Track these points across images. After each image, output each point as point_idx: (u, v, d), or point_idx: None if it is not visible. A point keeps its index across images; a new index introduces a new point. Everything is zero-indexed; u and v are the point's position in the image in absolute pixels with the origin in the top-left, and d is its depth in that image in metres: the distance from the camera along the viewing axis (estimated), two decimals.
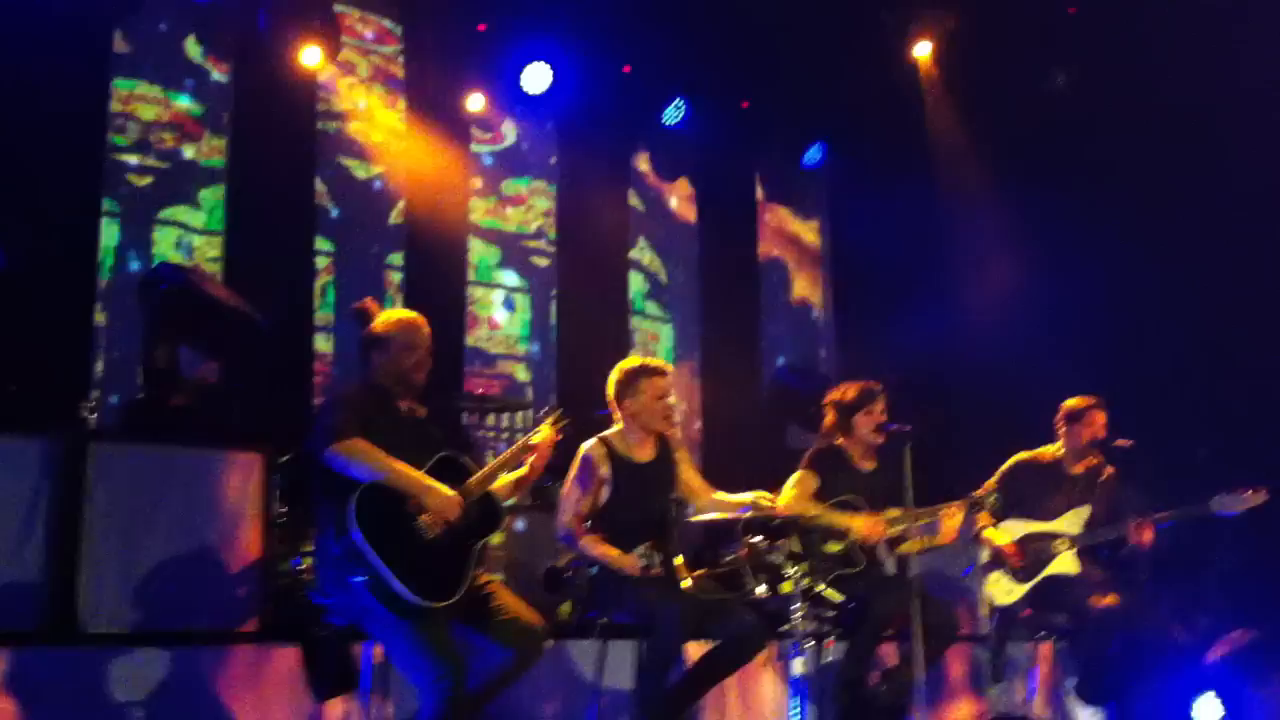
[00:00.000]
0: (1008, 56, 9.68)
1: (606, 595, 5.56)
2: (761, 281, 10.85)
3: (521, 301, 10.06)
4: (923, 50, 9.97)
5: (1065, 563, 6.38)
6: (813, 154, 10.72)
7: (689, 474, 5.87)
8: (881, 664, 6.30)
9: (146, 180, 8.48)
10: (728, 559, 5.87)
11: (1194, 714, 6.37)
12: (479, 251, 9.83)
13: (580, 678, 6.00)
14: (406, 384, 5.00)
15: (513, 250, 10.08)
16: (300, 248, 8.68)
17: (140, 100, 8.50)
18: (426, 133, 9.19)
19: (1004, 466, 6.70)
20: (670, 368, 5.91)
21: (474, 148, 9.83)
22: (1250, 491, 6.21)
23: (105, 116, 8.13)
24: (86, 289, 7.75)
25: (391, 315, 5.11)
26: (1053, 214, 9.57)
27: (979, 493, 6.46)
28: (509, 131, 10.16)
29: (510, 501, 5.41)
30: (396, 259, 9.33)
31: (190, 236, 8.59)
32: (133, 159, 8.43)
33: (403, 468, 4.69)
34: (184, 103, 8.70)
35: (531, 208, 10.20)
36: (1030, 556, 6.42)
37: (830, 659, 6.00)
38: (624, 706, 5.70)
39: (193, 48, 8.76)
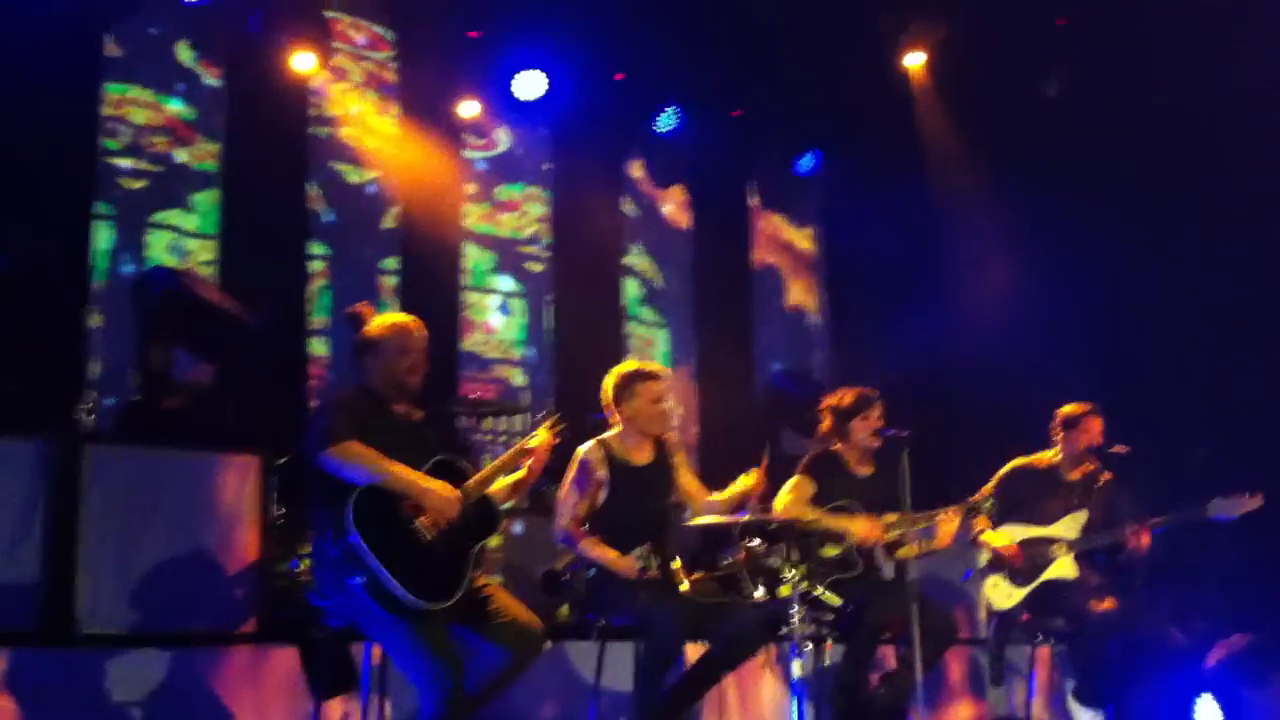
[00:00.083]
0: (1000, 63, 9.71)
1: (604, 597, 5.54)
2: (755, 287, 10.85)
3: (517, 306, 10.05)
4: (916, 58, 9.99)
5: (1063, 567, 6.38)
6: (806, 161, 10.73)
7: (686, 477, 5.86)
8: (881, 667, 6.29)
9: (139, 184, 8.45)
10: (726, 562, 5.86)
11: (1193, 718, 6.37)
12: (473, 257, 9.83)
13: (579, 679, 5.99)
14: (400, 388, 4.98)
15: (507, 255, 10.07)
16: (294, 252, 8.67)
17: (132, 104, 8.48)
18: (420, 138, 9.18)
19: (1001, 471, 6.69)
20: (667, 371, 5.91)
21: (467, 153, 9.83)
22: (1247, 496, 6.22)
23: (97, 120, 8.10)
24: (80, 292, 7.73)
25: (384, 319, 5.09)
26: (1047, 219, 9.60)
27: (976, 497, 6.46)
28: (503, 137, 10.16)
29: (508, 504, 5.39)
30: (390, 263, 9.32)
31: (183, 240, 8.58)
32: (125, 163, 8.41)
33: (400, 469, 4.67)
34: (176, 107, 8.68)
35: (526, 213, 10.20)
36: (1028, 561, 6.42)
37: (829, 662, 5.99)
38: (623, 708, 5.69)
39: (184, 52, 8.75)
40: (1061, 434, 6.65)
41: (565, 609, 6.48)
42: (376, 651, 5.10)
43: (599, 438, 5.73)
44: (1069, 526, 6.44)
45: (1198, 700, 6.37)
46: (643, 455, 5.75)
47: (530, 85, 9.39)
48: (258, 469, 5.94)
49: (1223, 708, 6.39)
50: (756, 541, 5.65)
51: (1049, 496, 6.55)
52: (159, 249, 8.47)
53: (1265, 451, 8.13)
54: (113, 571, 5.46)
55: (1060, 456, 6.65)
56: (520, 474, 5.14)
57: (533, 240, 10.18)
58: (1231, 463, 8.18)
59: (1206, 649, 6.88)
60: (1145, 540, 6.26)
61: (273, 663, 5.44)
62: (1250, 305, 8.86)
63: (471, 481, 4.86)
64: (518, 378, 9.94)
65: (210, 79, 8.76)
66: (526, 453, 5.14)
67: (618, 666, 5.66)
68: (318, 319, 8.92)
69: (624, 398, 5.72)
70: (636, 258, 10.61)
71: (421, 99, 9.25)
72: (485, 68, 9.39)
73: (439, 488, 4.69)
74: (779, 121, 10.46)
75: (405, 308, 8.46)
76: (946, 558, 6.75)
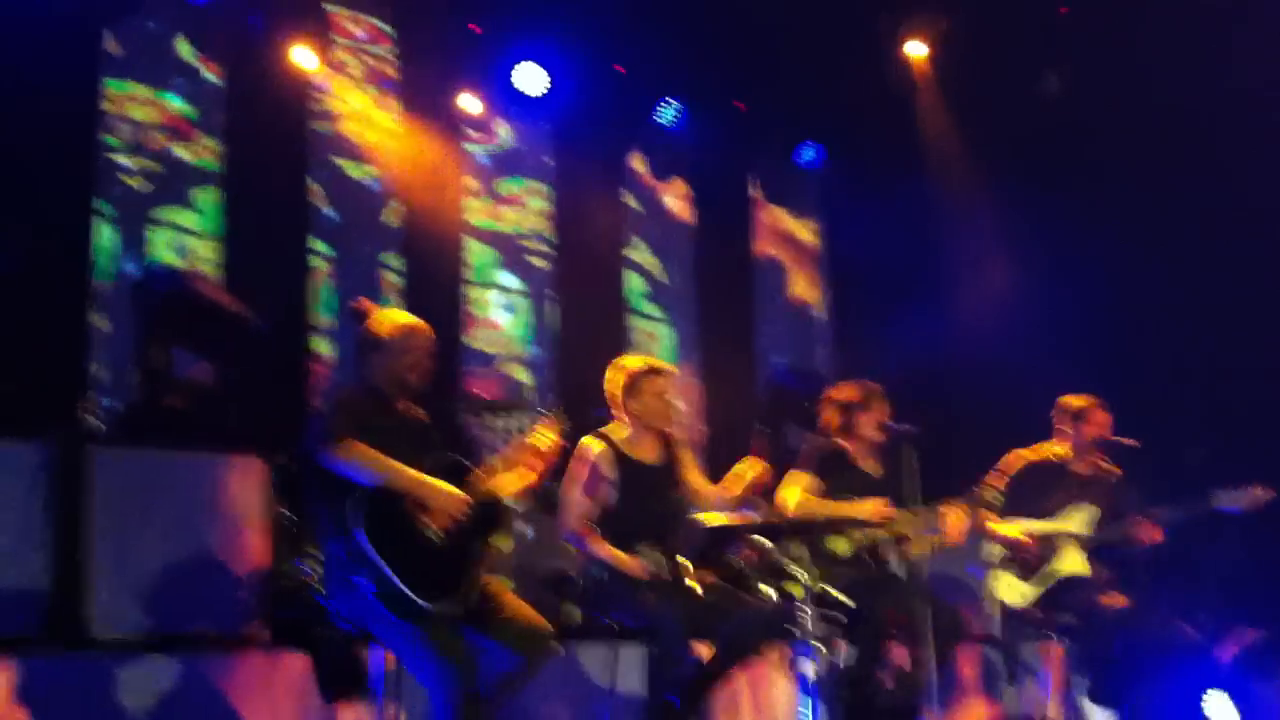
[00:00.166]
0: (1002, 58, 9.69)
1: (613, 598, 5.52)
2: (758, 281, 10.83)
3: (519, 303, 10.02)
4: (917, 51, 9.96)
5: (1075, 563, 6.35)
6: (808, 154, 10.71)
7: (693, 475, 5.84)
8: (893, 665, 6.26)
9: (140, 182, 8.41)
10: (734, 561, 5.83)
11: (1205, 713, 6.35)
12: (476, 252, 9.80)
13: (591, 681, 5.97)
14: (403, 386, 4.95)
15: (509, 251, 10.05)
16: (296, 249, 8.64)
17: (132, 101, 8.44)
18: (421, 133, 9.14)
19: (1006, 464, 6.65)
20: (672, 368, 5.88)
21: (469, 148, 9.79)
22: (1254, 488, 6.20)
23: (97, 117, 8.05)
24: (82, 291, 7.69)
25: (391, 318, 5.05)
26: (1047, 217, 9.59)
27: (980, 489, 6.42)
28: (504, 132, 10.12)
29: (514, 504, 5.36)
30: (392, 259, 9.28)
31: (185, 238, 8.55)
32: (126, 160, 8.37)
33: (403, 468, 4.64)
34: (176, 103, 8.64)
35: (527, 208, 10.17)
36: (1038, 556, 6.39)
37: (840, 660, 5.96)
38: (636, 710, 5.65)
39: (184, 48, 8.71)
40: (1070, 426, 6.60)
41: (574, 609, 6.47)
42: (388, 654, 5.06)
43: (604, 434, 5.69)
44: (1079, 521, 6.42)
45: (1209, 696, 6.34)
46: (651, 453, 5.73)
47: (531, 79, 9.36)
48: (262, 469, 5.91)
49: (1235, 703, 6.36)
50: (764, 539, 5.60)
51: (1057, 491, 6.52)
52: (160, 247, 8.44)
53: (1265, 450, 8.12)
54: (120, 575, 5.42)
55: (1068, 450, 6.61)
56: (530, 477, 5.09)
57: (535, 236, 10.14)
58: (1232, 462, 8.15)
59: (1218, 644, 6.87)
60: (1155, 534, 6.24)
61: (283, 667, 5.42)
62: (1251, 305, 8.85)
63: (475, 481, 4.83)
64: (521, 374, 9.91)
65: (210, 75, 8.72)
66: (533, 452, 5.10)
67: (630, 668, 5.64)
68: (320, 317, 8.88)
69: (630, 394, 5.69)
70: (639, 252, 10.58)
71: (422, 93, 9.22)
72: (486, 62, 9.38)
73: (444, 488, 4.66)
74: (780, 115, 10.45)
75: (407, 304, 8.45)
76: (955, 554, 6.72)
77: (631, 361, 5.82)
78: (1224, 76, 8.83)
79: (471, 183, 9.81)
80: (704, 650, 5.56)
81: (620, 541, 5.52)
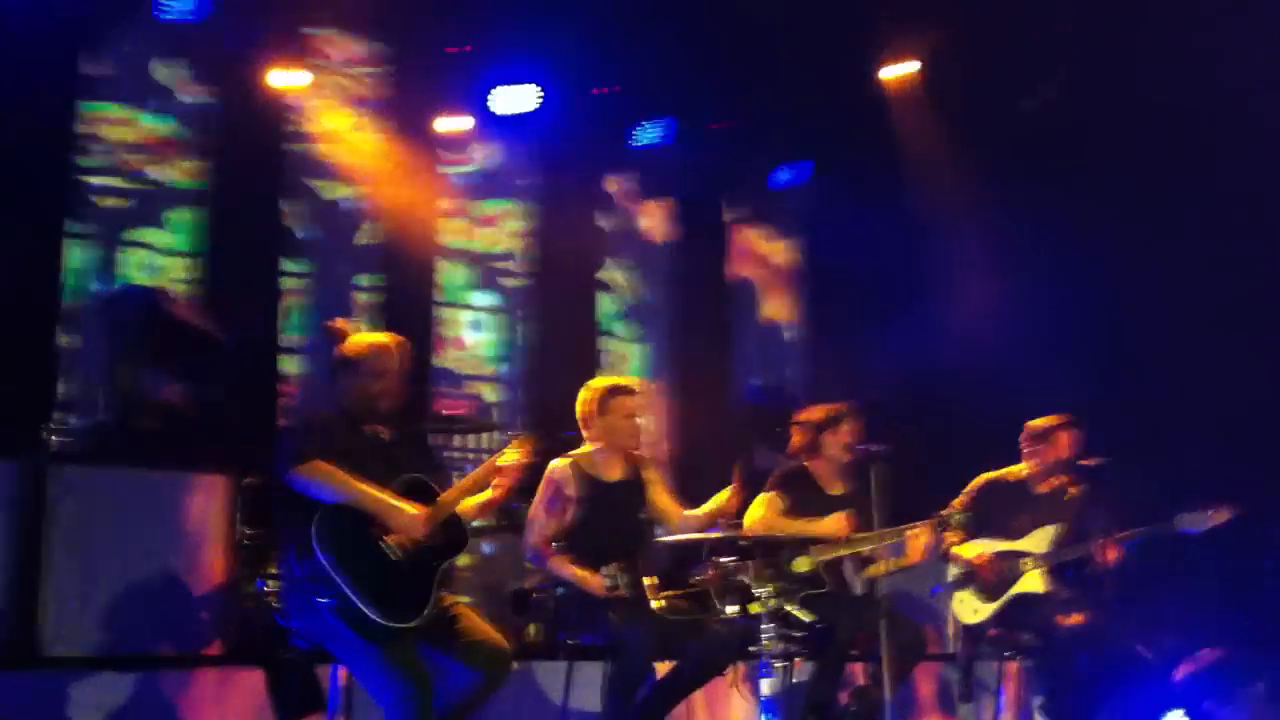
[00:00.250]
0: (982, 77, 9.73)
1: (574, 616, 5.56)
2: (733, 302, 10.85)
3: (491, 322, 10.04)
4: (899, 70, 10.01)
5: (1033, 581, 6.38)
6: (784, 176, 10.75)
7: (660, 495, 5.87)
8: (851, 683, 6.29)
9: (112, 201, 8.43)
10: (696, 579, 5.86)
11: None
12: (449, 272, 9.81)
13: (548, 699, 5.98)
14: (372, 410, 4.97)
15: (483, 271, 10.06)
16: (268, 269, 8.63)
17: (107, 121, 8.44)
18: (397, 154, 9.16)
19: (971, 485, 6.70)
20: (640, 387, 5.92)
21: (445, 169, 9.81)
22: (1214, 510, 6.23)
23: (72, 138, 8.07)
24: (51, 310, 7.70)
25: (364, 339, 5.06)
26: (1026, 234, 9.63)
27: (946, 511, 6.45)
28: (481, 153, 10.14)
29: (477, 523, 5.39)
30: (365, 280, 9.30)
31: (157, 258, 8.54)
32: (99, 180, 8.38)
33: (367, 489, 4.66)
34: (151, 124, 8.65)
35: (503, 228, 10.18)
36: (997, 575, 6.42)
37: (799, 679, 5.99)
38: None
39: (161, 69, 8.71)
40: (1031, 447, 6.67)
41: (534, 628, 6.49)
42: (344, 673, 5.08)
43: (570, 454, 5.73)
44: (1038, 541, 6.45)
45: (1166, 716, 6.38)
46: (614, 472, 5.77)
47: (510, 101, 9.39)
48: (226, 489, 5.93)
49: None
50: (727, 558, 5.63)
51: (1019, 511, 6.56)
52: (132, 267, 8.44)
53: (1238, 465, 8.17)
54: (78, 593, 5.44)
55: (1030, 470, 6.66)
56: (490, 493, 5.12)
57: (509, 256, 10.16)
58: (1205, 476, 8.21)
59: (1175, 664, 6.90)
60: (1114, 554, 6.27)
61: (239, 685, 5.43)
62: (1235, 319, 8.90)
63: (440, 500, 4.85)
64: (491, 394, 9.92)
65: (187, 96, 8.73)
66: (497, 471, 5.12)
67: (586, 686, 5.66)
68: (291, 336, 8.90)
69: (599, 413, 5.73)
70: (613, 272, 10.60)
71: (400, 114, 9.23)
72: (464, 83, 9.38)
73: (405, 508, 4.69)
74: (758, 135, 10.47)
75: (379, 324, 8.46)
76: (917, 573, 6.75)
77: (600, 382, 5.87)
78: (1207, 96, 8.88)
79: (447, 203, 9.81)
80: (662, 669, 5.59)
81: (585, 560, 5.55)
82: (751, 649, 5.54)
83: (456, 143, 9.85)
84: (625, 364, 10.52)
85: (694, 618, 5.57)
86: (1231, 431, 8.78)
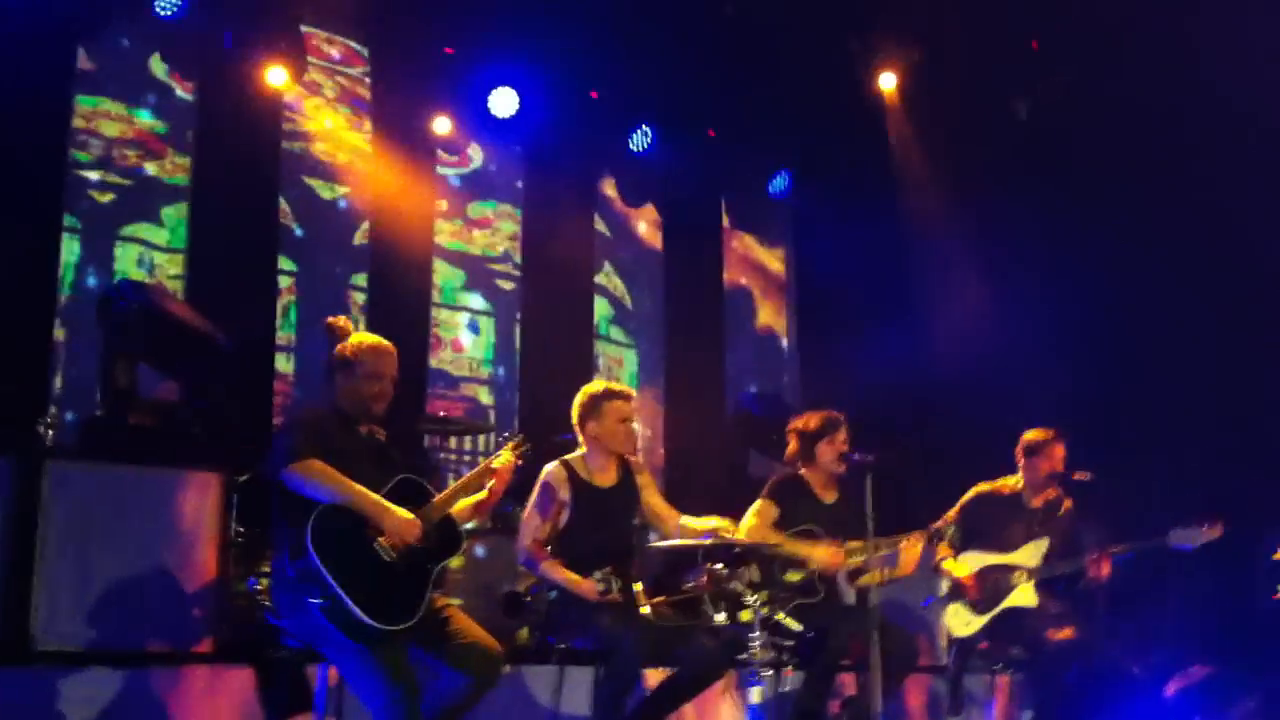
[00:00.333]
0: (971, 87, 9.76)
1: (566, 620, 5.55)
2: (726, 309, 10.86)
3: (486, 324, 10.03)
4: (888, 80, 10.04)
5: (1023, 595, 6.38)
6: (779, 182, 10.76)
7: (653, 499, 5.87)
8: (841, 693, 6.29)
9: (108, 197, 8.42)
10: (688, 586, 5.86)
11: None
12: (444, 274, 9.80)
13: (538, 703, 5.97)
14: (365, 411, 4.96)
15: (478, 273, 10.05)
16: (263, 267, 8.62)
17: (103, 117, 8.44)
18: (392, 154, 9.15)
19: (964, 498, 6.72)
20: (633, 391, 5.92)
21: (440, 170, 9.81)
22: (1206, 525, 6.24)
23: (68, 133, 8.06)
24: (46, 305, 7.68)
25: (362, 339, 5.04)
26: (1016, 243, 9.65)
27: (939, 524, 6.47)
28: (475, 154, 10.15)
29: (470, 525, 5.38)
30: (360, 280, 9.29)
31: (152, 254, 8.53)
32: (95, 175, 8.37)
33: (361, 490, 4.66)
34: (147, 120, 8.65)
35: (497, 231, 10.18)
36: (988, 588, 6.43)
37: (788, 688, 5.99)
38: None
39: (157, 65, 8.70)
40: (1024, 460, 6.67)
41: (525, 632, 6.49)
42: (333, 673, 5.07)
43: (563, 458, 5.74)
44: (1030, 554, 6.45)
45: None
46: (607, 477, 5.76)
47: (504, 103, 9.39)
48: (219, 486, 5.92)
49: None
50: (719, 565, 5.63)
51: (1011, 523, 6.56)
52: (127, 263, 8.43)
53: (1226, 480, 8.18)
54: (70, 588, 5.43)
55: (1023, 483, 6.67)
56: (483, 495, 5.11)
57: (503, 258, 10.16)
58: (1193, 491, 8.22)
59: (1165, 679, 6.91)
60: (1105, 569, 6.27)
61: (228, 683, 5.42)
62: (1228, 331, 8.92)
63: (434, 502, 4.85)
64: (485, 396, 9.92)
65: (183, 92, 8.73)
66: (490, 473, 5.12)
67: (576, 691, 5.66)
68: (285, 335, 8.88)
69: (591, 416, 5.74)
70: (607, 277, 10.61)
71: (395, 115, 9.22)
72: (459, 84, 9.38)
73: (398, 512, 4.68)
74: (751, 142, 10.49)
75: (374, 325, 8.45)
76: (909, 584, 6.76)
77: (594, 385, 5.87)
78: (1191, 106, 8.91)
79: (442, 204, 9.81)
80: (655, 676, 5.59)
81: (577, 564, 5.55)
82: (742, 657, 5.54)
83: (452, 144, 9.85)
84: (619, 369, 10.52)
85: (685, 624, 5.56)
86: (1224, 446, 8.78)
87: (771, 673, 5.61)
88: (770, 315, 11.43)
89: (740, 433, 9.85)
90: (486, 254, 10.12)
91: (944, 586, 6.57)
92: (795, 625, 5.90)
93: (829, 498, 6.40)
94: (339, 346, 4.99)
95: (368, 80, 9.44)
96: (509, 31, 9.24)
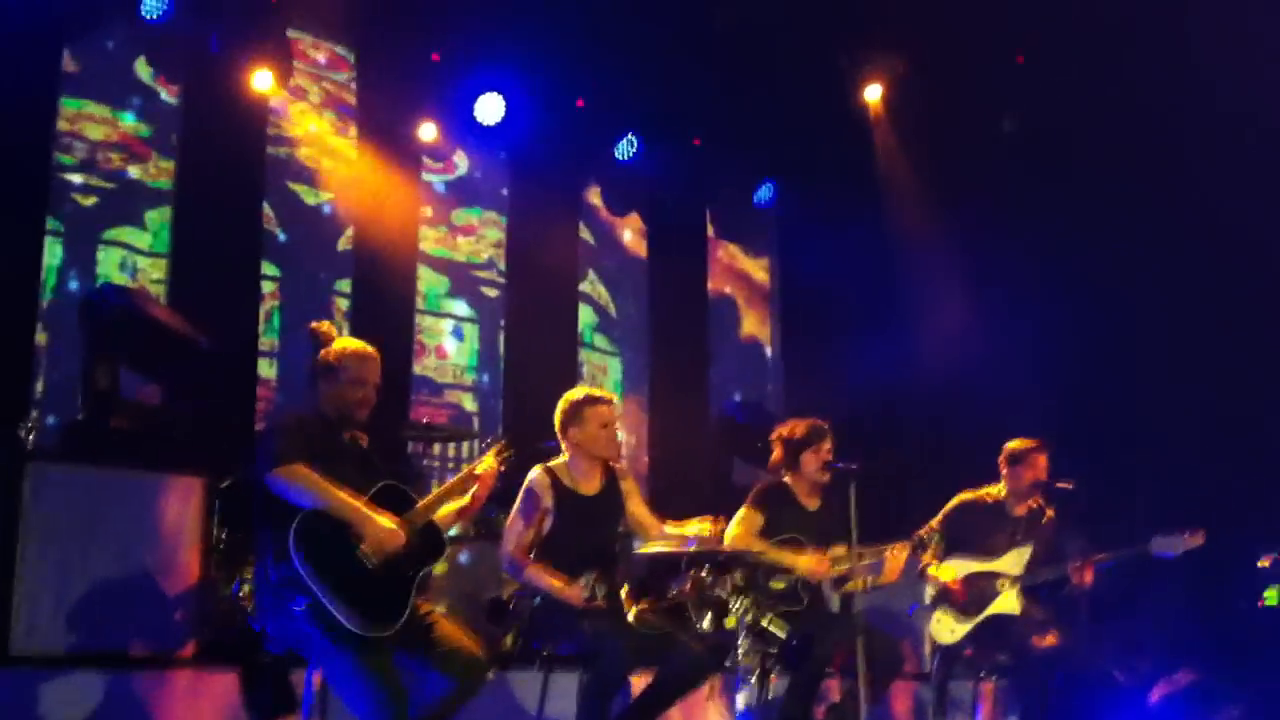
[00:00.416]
0: (957, 99, 9.80)
1: (550, 625, 5.53)
2: (711, 317, 10.86)
3: (470, 331, 10.02)
4: (873, 91, 10.07)
5: (1007, 602, 6.39)
6: (764, 192, 10.78)
7: (637, 506, 5.85)
8: (826, 699, 6.29)
9: (92, 200, 8.39)
10: (673, 592, 5.86)
11: None
12: (428, 280, 9.79)
13: (522, 708, 5.96)
14: (349, 417, 4.95)
15: (462, 280, 10.04)
16: (247, 272, 8.59)
17: (87, 120, 8.41)
18: (377, 160, 9.13)
19: (948, 506, 6.72)
20: (615, 397, 5.91)
21: (425, 176, 9.80)
22: (1188, 534, 6.26)
23: (52, 135, 8.03)
24: (28, 308, 7.64)
25: (345, 345, 5.02)
26: (1000, 254, 9.69)
27: (923, 532, 6.49)
28: (461, 161, 10.14)
29: (453, 531, 5.37)
30: (344, 285, 9.27)
31: (135, 258, 8.51)
32: (78, 178, 8.34)
33: (344, 497, 4.64)
34: (132, 123, 8.62)
35: (482, 238, 10.18)
36: (973, 595, 6.44)
37: (773, 694, 5.98)
38: None
39: (143, 68, 8.68)
40: (1007, 469, 6.69)
41: (509, 637, 6.46)
42: (317, 678, 5.05)
43: (547, 464, 5.72)
44: (1014, 561, 6.46)
45: None
46: (591, 483, 5.75)
47: (490, 109, 9.39)
48: (201, 490, 5.91)
49: None
50: (704, 572, 5.63)
51: (994, 531, 6.57)
52: (110, 266, 8.40)
53: (1208, 488, 8.21)
54: (51, 591, 5.41)
55: (1006, 491, 6.68)
56: (466, 500, 5.10)
57: (488, 265, 10.16)
58: (1175, 499, 8.25)
59: (1149, 686, 6.92)
60: (1089, 576, 6.28)
61: (211, 687, 5.40)
62: (1211, 341, 8.96)
63: (417, 508, 4.84)
64: (469, 403, 9.90)
65: (167, 96, 8.70)
66: (473, 479, 5.11)
67: (562, 696, 5.64)
68: (268, 340, 8.86)
69: (573, 422, 5.73)
70: (592, 285, 10.61)
71: (380, 121, 9.21)
72: (445, 91, 9.37)
73: (380, 521, 4.66)
74: (737, 152, 10.51)
75: (357, 330, 8.42)
76: (893, 591, 6.76)
77: (576, 392, 5.86)
78: (1175, 119, 8.96)
79: (427, 211, 9.80)
80: (639, 681, 5.58)
81: (562, 570, 5.53)
82: (727, 662, 5.54)
83: (438, 150, 9.85)
84: (603, 376, 10.52)
85: (670, 630, 5.55)
86: (1206, 455, 8.81)
87: (757, 678, 5.61)
88: (754, 324, 11.44)
89: (724, 441, 9.86)
90: (471, 261, 10.11)
91: (929, 593, 6.57)
92: (780, 631, 5.91)
93: (813, 505, 6.40)
94: (322, 352, 4.96)
95: (353, 85, 9.43)
96: (496, 39, 9.25)
